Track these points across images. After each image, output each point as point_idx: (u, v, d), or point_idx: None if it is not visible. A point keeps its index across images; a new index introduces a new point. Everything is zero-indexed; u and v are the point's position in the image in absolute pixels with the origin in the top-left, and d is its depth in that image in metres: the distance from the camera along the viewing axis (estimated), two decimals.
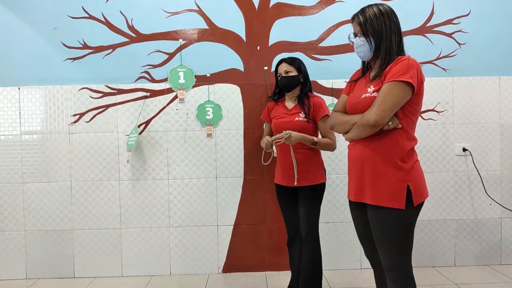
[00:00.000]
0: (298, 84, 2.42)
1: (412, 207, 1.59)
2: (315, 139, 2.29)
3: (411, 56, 1.63)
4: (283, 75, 2.40)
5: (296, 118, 2.35)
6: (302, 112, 2.35)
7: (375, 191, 1.64)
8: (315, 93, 2.54)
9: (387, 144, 1.62)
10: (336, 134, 2.38)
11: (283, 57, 2.48)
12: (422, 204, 1.64)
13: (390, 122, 1.60)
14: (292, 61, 2.42)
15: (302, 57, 3.01)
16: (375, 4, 1.69)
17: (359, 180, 1.71)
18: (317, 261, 2.39)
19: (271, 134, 2.51)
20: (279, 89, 2.50)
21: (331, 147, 2.38)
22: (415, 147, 1.69)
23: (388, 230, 1.63)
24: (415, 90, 1.58)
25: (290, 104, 2.46)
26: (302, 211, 2.39)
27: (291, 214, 2.47)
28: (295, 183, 2.30)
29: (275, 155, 2.41)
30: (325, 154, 3.04)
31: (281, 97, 2.52)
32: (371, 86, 1.66)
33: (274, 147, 2.26)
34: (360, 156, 1.70)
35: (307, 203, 2.37)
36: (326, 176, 3.01)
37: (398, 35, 1.66)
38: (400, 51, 1.66)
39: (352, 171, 1.76)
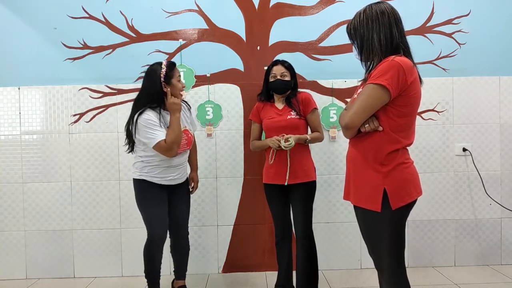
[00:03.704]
0: (290, 88, 2.49)
1: (390, 210, 1.55)
2: (308, 137, 2.39)
3: (404, 56, 1.57)
4: (279, 77, 2.44)
5: (289, 116, 2.43)
6: (293, 110, 2.43)
7: (356, 192, 1.66)
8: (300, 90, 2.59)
9: (367, 146, 1.61)
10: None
11: (278, 59, 2.54)
12: (406, 207, 1.59)
13: (367, 125, 1.57)
14: (289, 65, 2.48)
15: (302, 57, 3.03)
16: (369, 5, 1.65)
17: (346, 179, 1.75)
18: (315, 257, 2.48)
19: (260, 134, 2.60)
20: (268, 89, 2.53)
21: (321, 138, 2.50)
22: (414, 149, 1.67)
23: (369, 230, 1.65)
24: (392, 92, 1.50)
25: (279, 104, 2.51)
26: (297, 210, 2.43)
27: (283, 213, 2.51)
28: (286, 183, 2.37)
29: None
30: (325, 154, 3.05)
31: (270, 97, 2.56)
32: (361, 88, 1.66)
33: (282, 142, 2.31)
34: (348, 156, 1.73)
35: (302, 201, 2.41)
36: (326, 175, 3.04)
37: (387, 34, 1.58)
38: (394, 50, 1.59)
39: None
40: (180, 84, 2.34)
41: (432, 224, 3.09)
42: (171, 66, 2.30)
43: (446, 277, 2.88)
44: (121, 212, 3.02)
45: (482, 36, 3.06)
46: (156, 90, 2.25)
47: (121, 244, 3.03)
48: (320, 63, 3.05)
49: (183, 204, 2.52)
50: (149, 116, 2.21)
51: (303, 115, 2.45)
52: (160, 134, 2.19)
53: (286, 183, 2.37)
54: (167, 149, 2.20)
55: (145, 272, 2.40)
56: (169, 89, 2.27)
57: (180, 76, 2.36)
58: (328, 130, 3.02)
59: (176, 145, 2.23)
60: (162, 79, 2.23)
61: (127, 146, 2.35)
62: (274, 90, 2.48)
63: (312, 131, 2.53)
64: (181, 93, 2.36)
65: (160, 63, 2.28)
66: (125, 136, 2.34)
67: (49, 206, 3.01)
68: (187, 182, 2.54)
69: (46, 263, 3.02)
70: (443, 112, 3.07)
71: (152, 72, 2.28)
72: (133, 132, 2.25)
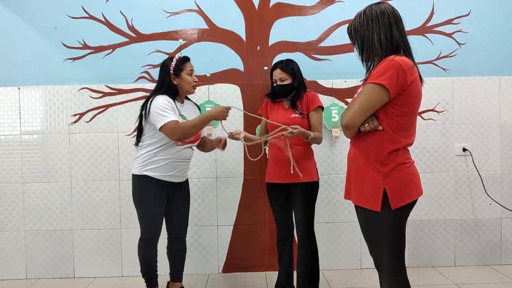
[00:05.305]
0: (293, 90, 2.45)
1: (390, 210, 1.55)
2: (311, 134, 2.32)
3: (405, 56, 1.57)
4: (278, 83, 2.43)
5: (292, 115, 2.42)
6: (297, 110, 2.43)
7: (356, 191, 1.67)
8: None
9: (367, 145, 1.62)
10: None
11: (278, 62, 2.48)
12: (406, 207, 1.59)
13: (367, 124, 1.57)
14: (287, 68, 2.41)
15: (302, 57, 3.02)
16: (369, 5, 1.66)
17: (347, 179, 1.75)
18: (316, 258, 2.46)
19: (266, 129, 2.53)
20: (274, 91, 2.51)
21: (320, 140, 2.43)
22: (414, 149, 1.67)
23: (369, 230, 1.65)
24: (391, 92, 1.50)
25: (286, 103, 2.50)
26: (298, 210, 2.41)
27: (284, 213, 2.50)
28: (292, 171, 2.25)
29: (266, 152, 2.43)
30: (325, 154, 3.05)
31: (276, 97, 2.54)
32: (362, 87, 1.66)
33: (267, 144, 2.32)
34: (350, 156, 1.74)
35: (303, 202, 2.40)
36: (326, 175, 3.04)
37: (387, 34, 1.58)
38: (395, 50, 1.59)
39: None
40: (191, 78, 2.36)
41: (432, 224, 3.09)
42: (183, 60, 2.36)
43: (446, 277, 2.88)
44: (121, 212, 3.02)
45: (482, 36, 3.06)
46: (166, 83, 2.31)
47: (121, 244, 3.03)
48: (320, 63, 3.05)
49: (183, 206, 2.52)
50: (163, 99, 2.22)
51: (308, 112, 2.42)
52: (171, 116, 2.16)
53: (292, 171, 2.25)
54: (173, 130, 2.14)
55: (141, 271, 2.41)
56: (178, 81, 2.33)
57: (192, 70, 2.38)
58: (331, 130, 3.01)
59: (183, 134, 2.19)
60: (171, 71, 2.31)
61: (134, 139, 2.38)
62: (277, 94, 2.49)
63: (311, 130, 2.45)
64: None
65: (172, 58, 2.36)
66: (134, 127, 2.39)
67: (49, 206, 3.01)
68: (187, 184, 2.54)
69: (46, 263, 3.02)
70: (443, 112, 3.07)
71: (163, 66, 2.36)
72: (146, 114, 2.23)
